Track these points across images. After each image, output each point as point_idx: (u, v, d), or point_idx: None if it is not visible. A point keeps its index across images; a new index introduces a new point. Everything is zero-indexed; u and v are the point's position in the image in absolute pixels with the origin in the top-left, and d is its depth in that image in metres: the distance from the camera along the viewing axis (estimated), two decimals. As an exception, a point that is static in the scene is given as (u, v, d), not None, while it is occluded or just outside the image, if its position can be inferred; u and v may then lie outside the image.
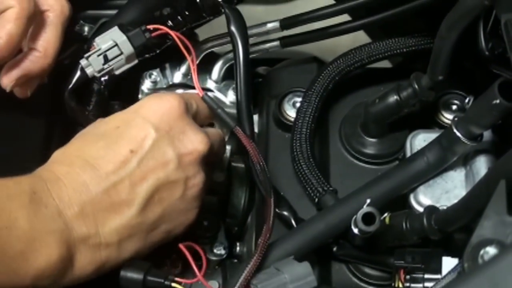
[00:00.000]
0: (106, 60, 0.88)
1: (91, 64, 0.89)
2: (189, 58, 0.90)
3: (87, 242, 0.75)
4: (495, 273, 0.45)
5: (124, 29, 0.89)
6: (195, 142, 0.81)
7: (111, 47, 0.88)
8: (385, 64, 1.17)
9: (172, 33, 0.90)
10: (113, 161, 0.77)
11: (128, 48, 0.87)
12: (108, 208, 0.76)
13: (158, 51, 0.98)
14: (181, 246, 0.82)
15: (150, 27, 0.90)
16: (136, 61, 0.90)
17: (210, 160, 0.85)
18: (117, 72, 0.89)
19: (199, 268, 0.82)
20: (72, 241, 0.73)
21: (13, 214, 0.69)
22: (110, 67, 0.88)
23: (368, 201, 0.79)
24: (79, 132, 0.83)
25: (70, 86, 0.90)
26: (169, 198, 0.80)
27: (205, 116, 0.88)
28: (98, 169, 0.76)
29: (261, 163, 0.84)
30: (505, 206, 0.62)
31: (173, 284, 0.80)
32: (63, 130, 1.00)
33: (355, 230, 0.78)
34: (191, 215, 0.84)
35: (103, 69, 0.89)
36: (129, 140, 0.78)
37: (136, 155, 0.78)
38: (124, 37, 0.87)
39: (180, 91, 1.03)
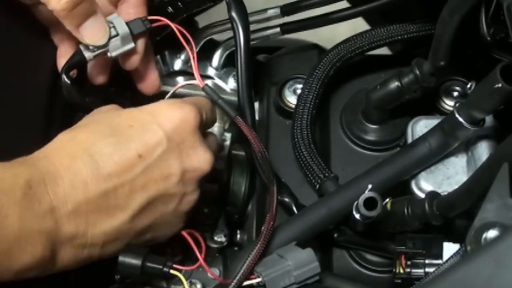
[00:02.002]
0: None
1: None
2: (188, 50, 0.89)
3: (73, 242, 0.73)
4: (499, 252, 0.45)
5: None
6: (201, 161, 0.79)
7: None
8: (386, 52, 1.17)
9: (172, 25, 0.89)
10: (119, 163, 0.75)
11: (123, 28, 0.86)
12: (103, 210, 0.74)
13: (158, 38, 0.97)
14: (183, 233, 0.82)
15: (151, 17, 0.89)
16: (132, 45, 0.89)
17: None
18: (113, 54, 0.88)
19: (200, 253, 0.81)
20: (58, 241, 0.72)
21: (4, 210, 0.68)
22: (105, 48, 0.87)
23: (370, 186, 0.79)
24: (89, 117, 0.81)
25: (66, 65, 0.89)
26: (162, 210, 0.79)
27: (212, 121, 0.87)
28: (102, 168, 0.74)
29: (263, 152, 0.84)
30: (508, 189, 0.62)
31: (172, 271, 0.79)
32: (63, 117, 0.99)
33: (357, 216, 0.78)
34: (177, 228, 0.83)
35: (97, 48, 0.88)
36: (140, 144, 0.76)
37: (144, 161, 0.76)
38: (120, 19, 0.87)
39: (180, 78, 1.03)
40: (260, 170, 0.86)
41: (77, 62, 0.89)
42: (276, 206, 0.80)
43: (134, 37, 0.88)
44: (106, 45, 0.86)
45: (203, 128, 0.82)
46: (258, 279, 0.75)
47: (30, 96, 0.92)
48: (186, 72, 1.03)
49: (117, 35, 0.86)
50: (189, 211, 0.82)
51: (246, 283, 0.75)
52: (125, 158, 0.75)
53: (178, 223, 0.82)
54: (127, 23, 0.87)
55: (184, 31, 0.89)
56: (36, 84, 0.92)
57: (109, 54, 0.87)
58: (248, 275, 0.75)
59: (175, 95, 0.91)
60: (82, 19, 0.83)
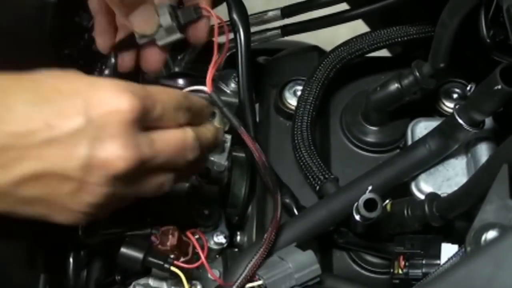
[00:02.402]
0: None
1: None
2: (215, 55, 0.89)
3: None
4: (498, 253, 0.46)
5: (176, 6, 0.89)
6: (115, 156, 0.69)
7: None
8: (385, 54, 1.17)
9: (215, 16, 0.89)
10: (22, 124, 0.68)
11: (166, 20, 0.86)
12: None
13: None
14: (188, 233, 0.82)
15: (203, 6, 0.89)
16: (178, 35, 0.88)
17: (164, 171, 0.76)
18: (159, 43, 0.88)
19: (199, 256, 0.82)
20: None
21: None
22: (152, 36, 0.88)
23: (370, 187, 0.79)
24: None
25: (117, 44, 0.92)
26: (55, 188, 0.70)
27: (173, 120, 0.76)
28: (2, 123, 0.68)
29: (266, 164, 0.84)
30: (508, 190, 0.62)
31: (173, 268, 0.79)
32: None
33: (357, 217, 0.79)
34: (77, 216, 0.73)
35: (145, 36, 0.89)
36: (54, 113, 0.68)
37: (49, 132, 0.68)
38: (165, 10, 0.87)
39: (180, 80, 1.03)
40: (264, 180, 0.86)
41: (127, 44, 0.91)
42: (281, 214, 0.80)
43: (183, 26, 0.88)
44: (153, 34, 0.87)
45: (152, 122, 0.73)
46: (260, 282, 0.75)
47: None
48: (186, 74, 1.03)
49: (161, 25, 0.86)
50: (97, 204, 0.72)
51: (248, 285, 0.75)
52: (32, 122, 0.68)
53: (78, 211, 0.73)
54: (176, 12, 0.87)
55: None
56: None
57: (157, 43, 0.88)
58: (250, 278, 0.75)
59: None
60: (132, 7, 0.84)
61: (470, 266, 0.46)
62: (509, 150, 0.67)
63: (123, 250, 0.78)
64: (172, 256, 0.81)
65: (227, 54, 1.02)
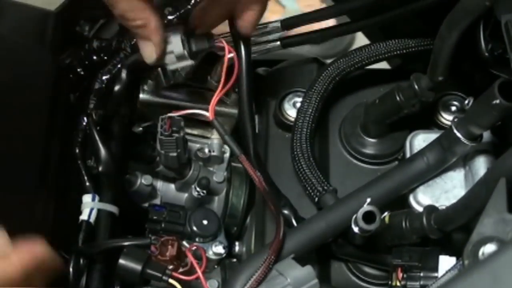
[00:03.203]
0: None
1: None
2: (222, 85, 0.89)
3: None
4: (495, 268, 0.46)
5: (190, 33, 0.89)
6: None
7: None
8: (385, 66, 1.18)
9: (232, 50, 0.89)
10: None
11: (178, 47, 0.87)
12: None
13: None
14: (187, 250, 0.82)
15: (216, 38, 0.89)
16: (189, 62, 0.89)
17: None
18: (170, 68, 0.89)
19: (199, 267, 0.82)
20: None
21: None
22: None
23: (369, 200, 0.80)
24: None
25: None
26: None
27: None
28: None
29: (267, 190, 0.84)
30: (505, 204, 0.63)
31: (171, 280, 0.80)
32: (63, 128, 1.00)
33: (356, 229, 0.79)
34: None
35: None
36: None
37: None
38: (178, 37, 0.87)
39: (182, 91, 1.03)
40: (267, 202, 0.86)
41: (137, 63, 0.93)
42: (283, 236, 0.80)
43: (194, 54, 0.88)
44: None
45: None
46: None
47: (30, 113, 0.92)
48: (187, 85, 1.03)
49: (172, 52, 0.87)
50: None
51: None
52: None
53: None
54: (189, 39, 0.87)
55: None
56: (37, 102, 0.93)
57: (167, 67, 0.89)
58: None
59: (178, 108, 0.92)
60: (136, 37, 0.86)
61: (467, 280, 0.46)
62: (506, 164, 0.68)
63: (122, 261, 0.79)
64: (170, 267, 0.82)
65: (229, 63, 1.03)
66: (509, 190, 0.64)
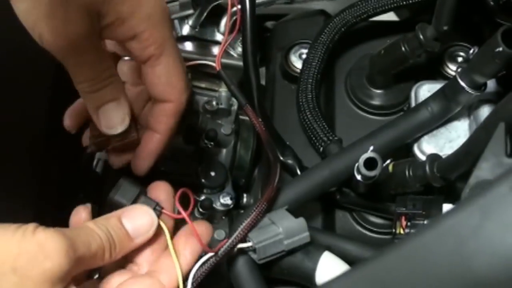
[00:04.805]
0: None
1: None
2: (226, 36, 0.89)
3: None
4: (485, 204, 0.46)
5: None
6: None
7: None
8: (393, 18, 1.17)
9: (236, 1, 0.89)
10: None
11: None
12: None
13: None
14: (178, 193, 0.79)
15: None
16: (191, 11, 0.89)
17: None
18: (172, 17, 0.89)
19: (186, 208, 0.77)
20: None
21: None
22: None
23: (372, 147, 0.80)
24: None
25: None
26: None
27: (94, 256, 0.67)
28: None
29: (268, 137, 0.84)
30: (503, 148, 0.63)
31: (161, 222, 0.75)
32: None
33: (358, 177, 0.79)
34: None
35: None
36: None
37: None
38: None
39: (188, 43, 1.04)
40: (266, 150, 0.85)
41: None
42: (278, 183, 0.78)
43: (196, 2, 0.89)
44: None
45: (79, 262, 0.65)
46: (250, 244, 0.75)
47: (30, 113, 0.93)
48: (194, 38, 1.04)
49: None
50: None
51: (239, 245, 0.74)
52: None
53: None
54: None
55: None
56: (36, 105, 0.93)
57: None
58: (242, 239, 0.75)
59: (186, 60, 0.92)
60: (101, 102, 0.77)
61: (457, 216, 0.47)
62: (506, 109, 0.68)
63: (111, 196, 0.75)
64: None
65: (233, 18, 1.03)
66: (507, 134, 0.64)
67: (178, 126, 0.83)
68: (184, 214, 0.74)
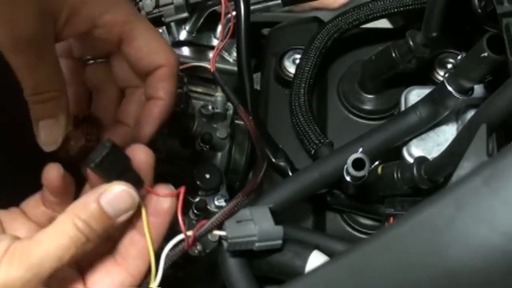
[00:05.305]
0: (157, 5, 0.90)
1: (144, 4, 0.91)
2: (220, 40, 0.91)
3: None
4: (459, 195, 0.48)
5: None
6: None
7: None
8: (387, 26, 1.19)
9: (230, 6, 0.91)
10: None
11: None
12: None
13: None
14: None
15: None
16: (186, 14, 0.90)
17: None
18: (167, 20, 0.90)
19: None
20: None
21: None
22: (160, 13, 0.90)
23: (361, 149, 0.82)
24: None
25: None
26: None
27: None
28: None
29: (258, 135, 0.85)
30: (485, 149, 0.65)
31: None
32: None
33: (347, 178, 0.81)
34: None
35: (152, 13, 0.91)
36: None
37: None
38: None
39: (185, 48, 1.06)
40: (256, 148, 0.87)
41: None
42: (261, 180, 0.79)
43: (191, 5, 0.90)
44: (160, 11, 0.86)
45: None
46: (224, 233, 0.75)
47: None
48: (190, 43, 1.06)
49: (172, 3, 0.88)
50: None
51: (214, 232, 0.74)
52: None
53: None
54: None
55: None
56: None
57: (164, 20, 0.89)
58: (218, 225, 0.75)
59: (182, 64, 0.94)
60: (40, 116, 0.73)
61: (433, 207, 0.49)
62: (487, 111, 0.69)
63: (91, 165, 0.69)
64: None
65: (229, 24, 1.05)
66: (489, 135, 0.66)
67: (176, 91, 0.81)
68: (179, 211, 0.73)
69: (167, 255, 0.71)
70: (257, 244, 0.75)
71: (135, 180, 0.71)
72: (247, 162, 1.07)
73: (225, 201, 1.00)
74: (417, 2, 0.97)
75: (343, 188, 0.87)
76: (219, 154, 1.05)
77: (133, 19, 0.77)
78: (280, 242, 0.76)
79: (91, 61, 0.84)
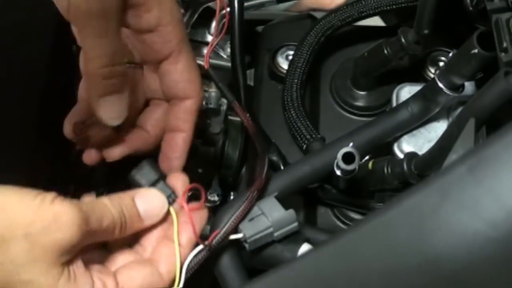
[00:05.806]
0: None
1: None
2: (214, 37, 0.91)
3: None
4: (443, 184, 0.49)
5: None
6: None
7: None
8: (381, 24, 1.20)
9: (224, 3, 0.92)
10: None
11: None
12: None
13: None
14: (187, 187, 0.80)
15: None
16: (181, 11, 0.91)
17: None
18: None
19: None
20: None
21: None
22: None
23: (351, 144, 0.83)
24: None
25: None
26: None
27: (107, 227, 0.69)
28: None
29: (256, 130, 0.85)
30: (473, 142, 0.66)
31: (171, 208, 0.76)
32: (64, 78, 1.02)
33: (338, 172, 0.82)
34: None
35: None
36: None
37: None
38: None
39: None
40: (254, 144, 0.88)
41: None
42: (267, 175, 0.80)
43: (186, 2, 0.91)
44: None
45: (94, 234, 0.68)
46: (241, 235, 0.76)
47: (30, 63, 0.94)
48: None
49: None
50: None
51: (231, 237, 0.76)
52: None
53: None
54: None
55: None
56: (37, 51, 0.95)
57: None
58: (233, 230, 0.76)
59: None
60: (107, 91, 0.75)
61: (418, 195, 0.50)
62: (476, 105, 0.70)
63: (132, 174, 0.77)
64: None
65: (223, 20, 1.06)
66: (477, 129, 0.67)
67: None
68: (186, 208, 0.75)
69: (188, 265, 0.74)
70: (275, 234, 0.77)
71: (168, 194, 0.77)
72: (240, 157, 1.08)
73: (218, 195, 1.01)
74: (409, 0, 0.98)
75: (334, 183, 0.88)
76: (212, 149, 1.06)
77: (185, 41, 0.78)
78: (296, 224, 0.78)
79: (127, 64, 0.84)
